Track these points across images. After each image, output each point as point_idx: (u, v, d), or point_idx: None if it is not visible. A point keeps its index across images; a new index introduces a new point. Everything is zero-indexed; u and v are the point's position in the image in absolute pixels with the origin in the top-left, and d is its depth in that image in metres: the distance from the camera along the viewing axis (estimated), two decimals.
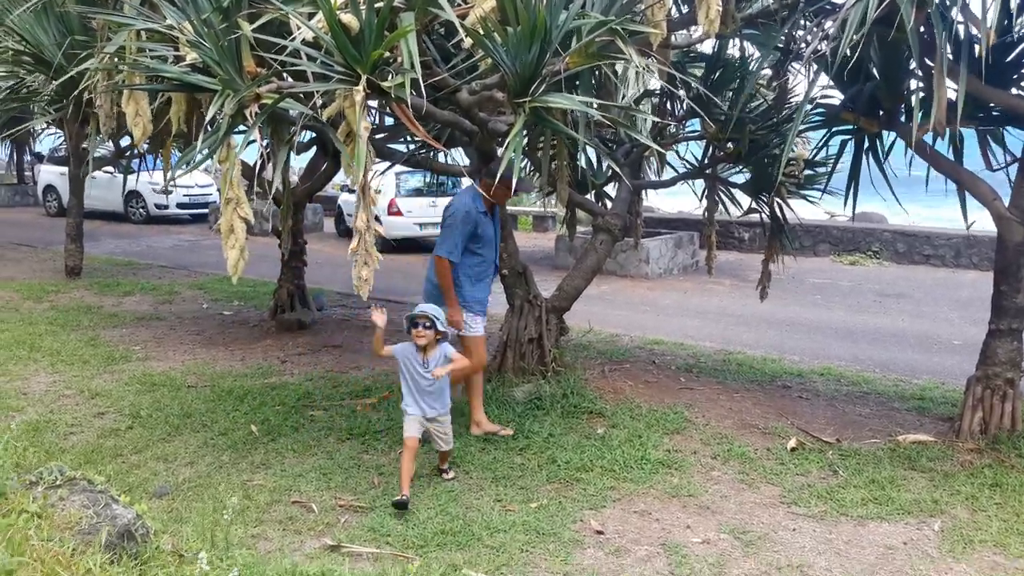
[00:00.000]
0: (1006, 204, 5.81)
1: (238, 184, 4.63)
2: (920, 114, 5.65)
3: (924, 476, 5.45)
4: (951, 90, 5.65)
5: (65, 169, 15.16)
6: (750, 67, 7.16)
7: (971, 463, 5.56)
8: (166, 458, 5.65)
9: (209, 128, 4.40)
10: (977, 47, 5.24)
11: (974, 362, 6.03)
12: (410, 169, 13.86)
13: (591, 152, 7.48)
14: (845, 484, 5.31)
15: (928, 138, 5.79)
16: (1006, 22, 5.49)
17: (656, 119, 7.58)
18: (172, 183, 6.73)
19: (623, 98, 6.91)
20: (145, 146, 8.37)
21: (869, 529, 4.76)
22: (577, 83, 5.75)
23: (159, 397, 6.88)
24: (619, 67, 6.00)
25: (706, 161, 8.03)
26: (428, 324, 5.01)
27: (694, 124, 7.96)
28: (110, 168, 16.88)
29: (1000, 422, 5.79)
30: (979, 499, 5.09)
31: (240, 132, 4.74)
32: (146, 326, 9.57)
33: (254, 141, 4.71)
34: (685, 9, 6.74)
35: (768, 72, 7.45)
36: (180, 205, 20.67)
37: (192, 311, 10.47)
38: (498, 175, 5.57)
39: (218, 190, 4.71)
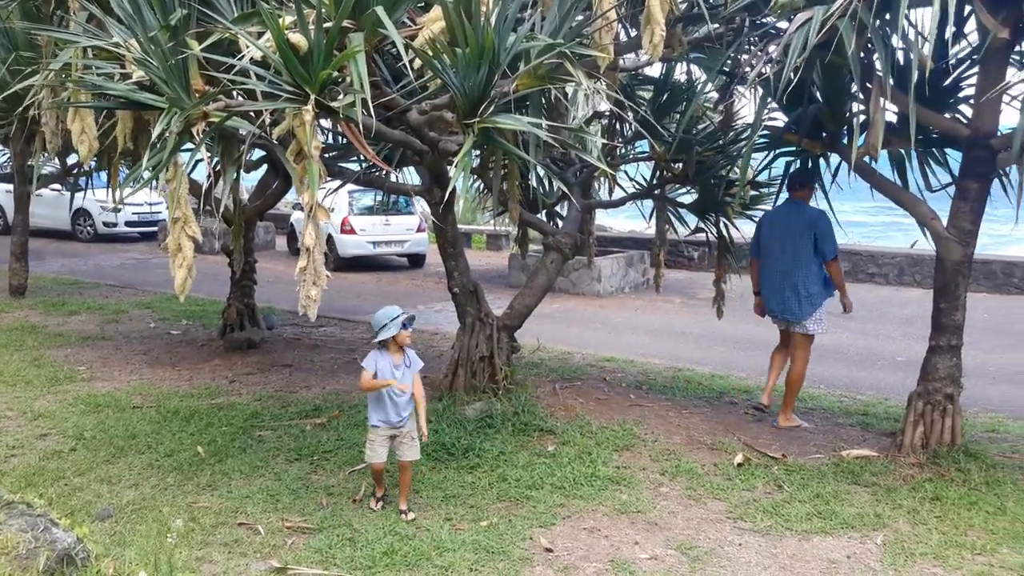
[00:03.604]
0: (944, 224, 5.96)
1: (186, 203, 4.60)
2: (862, 137, 5.80)
3: (867, 490, 5.55)
4: (890, 113, 5.81)
5: (10, 187, 14.89)
6: (696, 90, 7.29)
7: (913, 477, 5.67)
8: (110, 480, 5.56)
9: (158, 145, 4.38)
10: (915, 72, 5.40)
11: (916, 378, 6.16)
12: (363, 188, 13.84)
13: (542, 171, 7.55)
14: (790, 499, 5.39)
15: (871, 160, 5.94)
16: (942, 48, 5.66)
17: (605, 141, 7.67)
18: (121, 201, 6.66)
19: (573, 119, 6.99)
20: (93, 164, 8.27)
21: (813, 543, 4.84)
22: (527, 104, 5.81)
23: (104, 418, 6.77)
24: (569, 89, 6.08)
25: (654, 182, 8.15)
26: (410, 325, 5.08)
27: (643, 145, 8.08)
28: (57, 186, 16.61)
29: (940, 437, 5.91)
30: (920, 512, 5.21)
31: (188, 150, 4.72)
32: (92, 346, 9.40)
33: (202, 160, 4.70)
34: (633, 33, 6.84)
35: (714, 95, 7.59)
36: (129, 223, 20.37)
37: (139, 330, 10.32)
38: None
39: (167, 208, 4.68)
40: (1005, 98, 5.76)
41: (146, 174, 4.59)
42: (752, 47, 6.23)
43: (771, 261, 6.91)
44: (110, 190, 7.13)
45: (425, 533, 4.81)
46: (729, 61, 6.49)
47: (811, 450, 6.30)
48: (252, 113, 4.46)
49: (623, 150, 8.31)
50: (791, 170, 6.98)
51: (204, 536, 4.76)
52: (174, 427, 6.55)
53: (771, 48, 5.58)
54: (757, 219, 8.01)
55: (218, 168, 5.33)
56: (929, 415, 5.95)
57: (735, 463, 5.96)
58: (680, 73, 7.88)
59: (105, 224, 20.10)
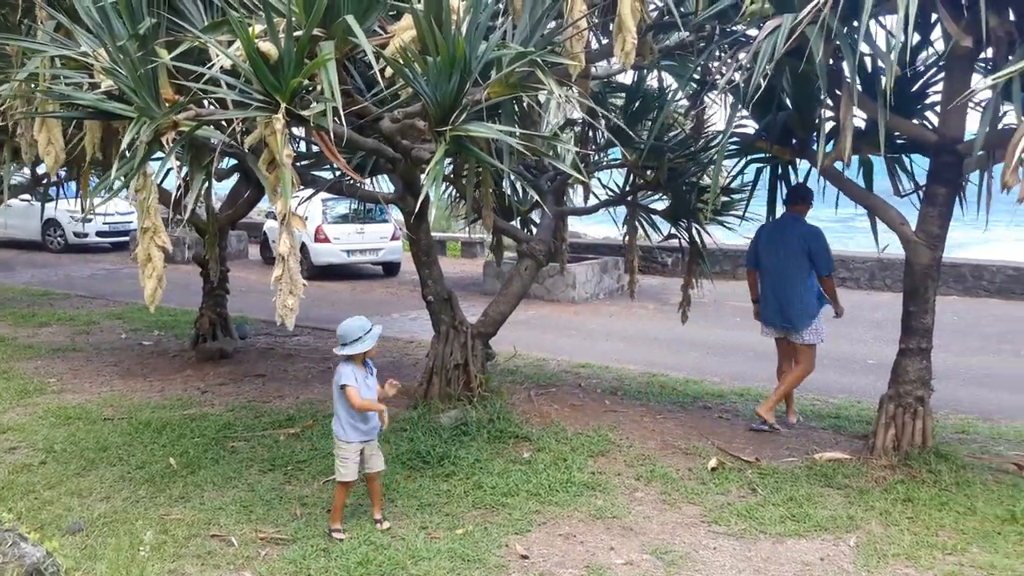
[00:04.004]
0: (913, 229, 6.03)
1: (155, 213, 4.57)
2: (831, 143, 5.86)
3: (840, 493, 5.60)
4: (859, 119, 5.88)
5: None
6: (667, 98, 7.34)
7: (884, 479, 5.72)
8: (80, 493, 5.50)
9: (127, 155, 4.35)
10: (883, 79, 5.46)
11: (887, 381, 6.21)
12: (337, 196, 13.81)
13: (515, 179, 7.58)
14: (764, 502, 5.43)
15: (843, 166, 6.00)
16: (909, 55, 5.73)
17: (578, 148, 7.70)
18: (91, 211, 6.60)
19: (546, 127, 7.02)
20: (62, 174, 8.19)
21: (787, 546, 4.87)
22: (500, 112, 5.82)
23: (74, 431, 6.69)
24: (542, 97, 6.11)
25: (627, 188, 8.19)
26: None
27: (615, 152, 8.12)
28: (27, 196, 16.42)
29: (912, 439, 5.96)
30: (892, 514, 5.25)
31: (157, 159, 4.69)
32: (62, 358, 9.30)
33: (172, 169, 4.66)
34: (604, 41, 6.88)
35: (685, 102, 7.64)
36: (100, 233, 20.21)
37: (110, 342, 10.22)
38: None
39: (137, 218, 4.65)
40: (971, 104, 5.85)
41: (116, 184, 4.56)
42: (722, 54, 6.28)
43: (769, 273, 7.04)
44: (80, 200, 7.06)
45: (400, 542, 4.79)
46: (700, 69, 6.53)
47: (784, 453, 6.34)
48: (224, 122, 4.45)
49: (596, 157, 8.34)
50: (792, 185, 7.09)
51: (176, 549, 4.72)
52: (146, 439, 6.49)
53: (741, 55, 5.62)
54: (729, 225, 8.09)
55: (189, 177, 5.29)
56: (900, 417, 6.00)
57: (709, 467, 5.99)
58: (651, 80, 7.93)
59: (76, 234, 19.93)
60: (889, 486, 5.62)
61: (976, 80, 5.68)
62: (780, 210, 7.13)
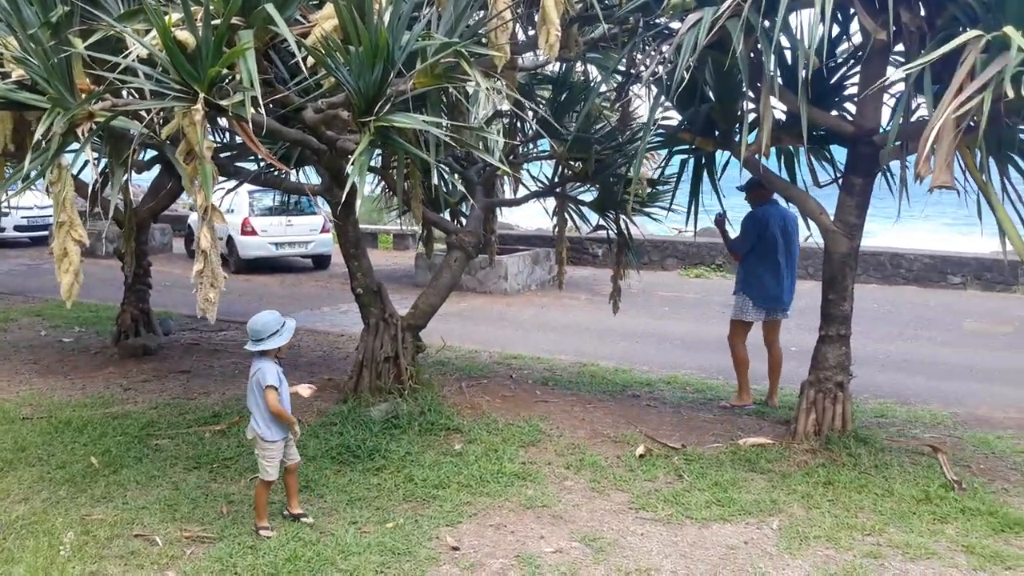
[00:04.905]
0: (832, 218, 6.18)
1: (71, 206, 4.46)
2: (752, 134, 5.97)
3: (763, 477, 5.72)
4: (779, 111, 6.00)
5: None
6: (593, 89, 7.39)
7: (806, 463, 5.87)
8: None
9: (42, 146, 4.22)
10: (803, 72, 5.58)
11: (808, 367, 6.35)
12: (263, 188, 13.60)
13: (445, 170, 7.54)
14: (690, 488, 5.52)
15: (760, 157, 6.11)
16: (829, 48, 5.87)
17: (506, 140, 7.71)
18: (6, 204, 6.39)
19: (475, 119, 7.00)
20: None
21: (712, 531, 4.97)
22: (427, 103, 5.80)
23: None
24: (470, 88, 6.10)
25: (556, 180, 8.23)
26: None
27: (544, 144, 8.15)
28: None
29: (832, 423, 6.12)
30: (813, 497, 5.39)
31: (73, 151, 4.57)
32: None
33: (89, 161, 4.55)
34: (532, 32, 6.89)
35: (612, 95, 7.70)
36: (19, 228, 19.54)
37: (29, 339, 9.91)
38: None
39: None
40: (887, 95, 6.01)
41: (30, 176, 4.43)
42: (646, 47, 6.34)
43: (783, 258, 7.36)
44: None
45: (329, 538, 4.75)
46: (624, 61, 6.59)
47: (709, 439, 6.46)
48: (143, 112, 4.34)
49: (524, 149, 8.37)
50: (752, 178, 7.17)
51: (98, 550, 4.61)
52: (66, 438, 6.31)
53: (664, 48, 5.69)
54: (656, 216, 8.18)
55: (107, 169, 5.16)
56: (821, 403, 6.15)
57: (637, 454, 6.07)
58: (579, 72, 7.97)
59: None
60: (810, 470, 5.76)
61: (891, 72, 5.83)
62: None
